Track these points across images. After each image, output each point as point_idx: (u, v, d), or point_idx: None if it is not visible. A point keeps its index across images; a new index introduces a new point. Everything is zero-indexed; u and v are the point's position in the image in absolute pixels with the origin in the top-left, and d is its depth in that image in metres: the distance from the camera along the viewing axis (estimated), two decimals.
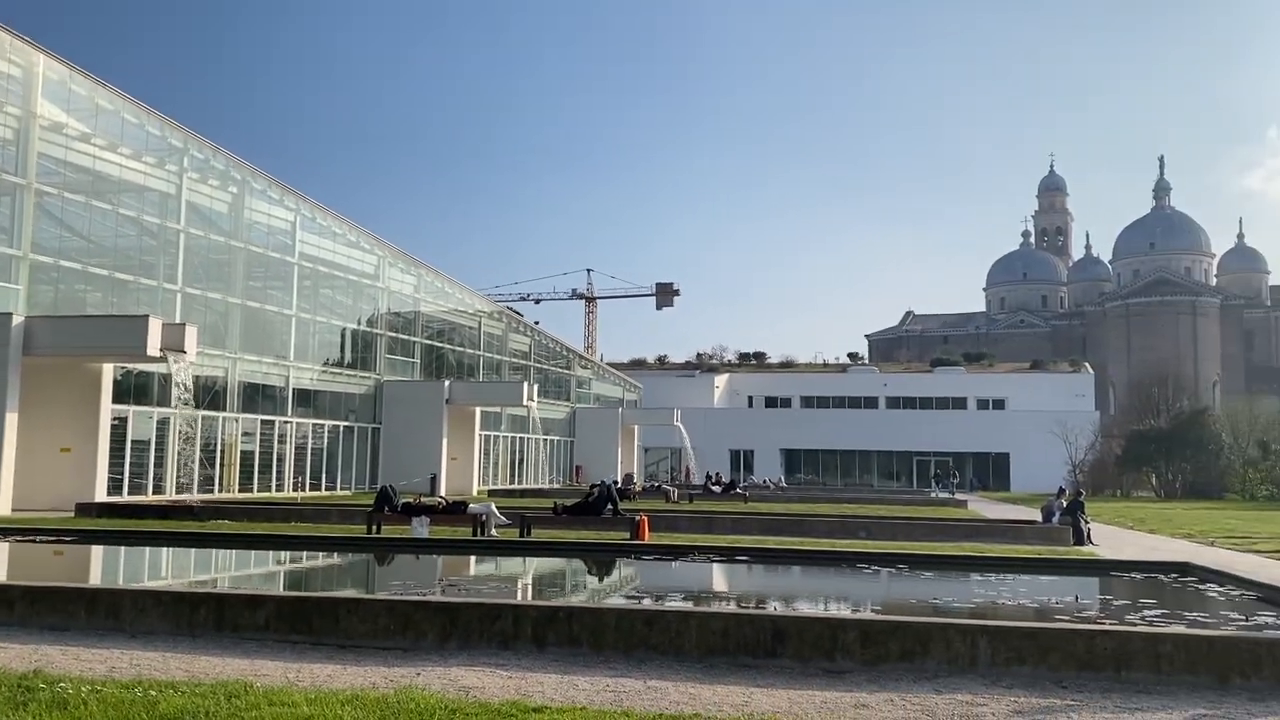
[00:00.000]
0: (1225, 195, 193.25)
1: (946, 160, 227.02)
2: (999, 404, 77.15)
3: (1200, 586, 11.85)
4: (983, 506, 37.04)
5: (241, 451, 33.47)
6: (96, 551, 16.04)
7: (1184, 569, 12.96)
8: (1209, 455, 57.64)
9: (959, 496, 44.11)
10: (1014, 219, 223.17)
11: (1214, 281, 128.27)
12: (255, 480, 33.77)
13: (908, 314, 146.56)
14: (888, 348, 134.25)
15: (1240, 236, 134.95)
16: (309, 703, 5.86)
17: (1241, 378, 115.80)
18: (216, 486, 31.71)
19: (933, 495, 45.91)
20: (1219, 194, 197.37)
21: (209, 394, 31.79)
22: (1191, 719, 6.07)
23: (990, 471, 67.00)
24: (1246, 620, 9.36)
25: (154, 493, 28.81)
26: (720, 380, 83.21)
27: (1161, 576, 12.84)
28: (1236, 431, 59.66)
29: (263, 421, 34.56)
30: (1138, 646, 6.98)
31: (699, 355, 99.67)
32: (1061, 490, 26.08)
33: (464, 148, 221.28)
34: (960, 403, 77.60)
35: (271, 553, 15.90)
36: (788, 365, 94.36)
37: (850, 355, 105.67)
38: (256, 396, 34.75)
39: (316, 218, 38.20)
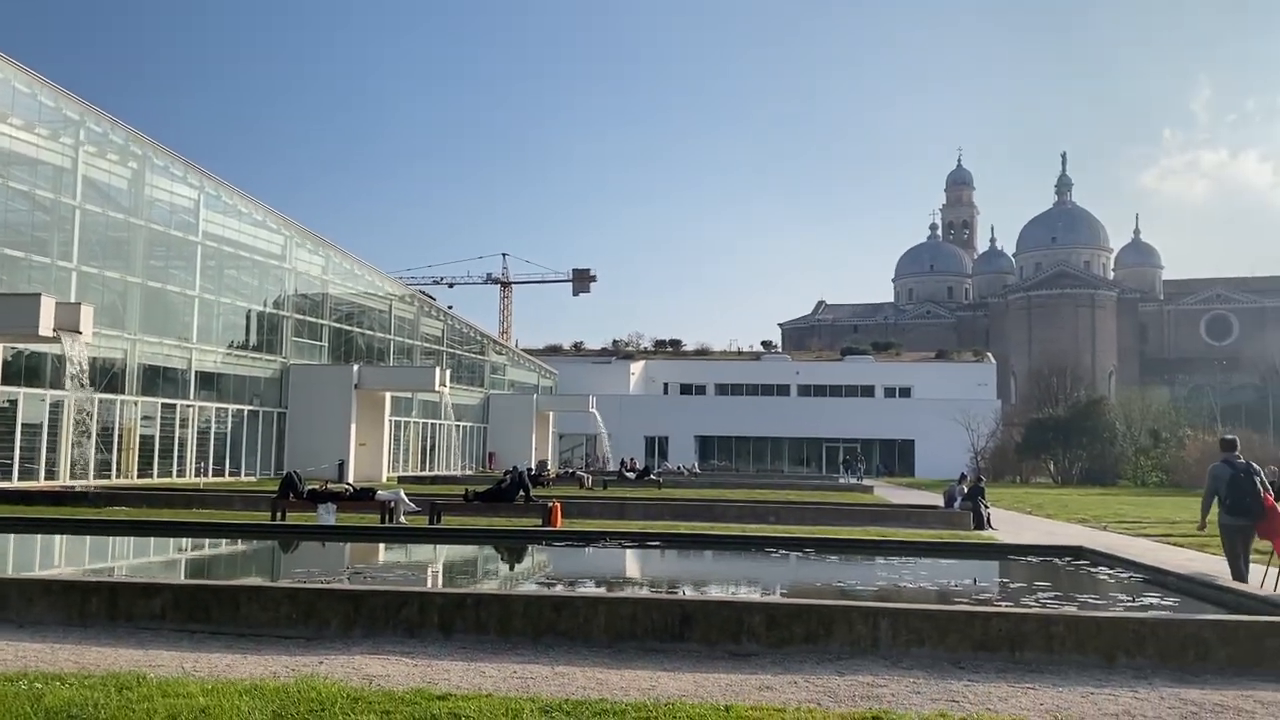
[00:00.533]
0: (1123, 192, 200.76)
1: (859, 154, 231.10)
2: (905, 392, 78.93)
3: (1092, 569, 12.30)
4: (888, 492, 37.89)
5: (141, 436, 32.42)
6: None
7: (1077, 553, 13.45)
8: (1104, 443, 59.86)
9: (865, 482, 45.04)
10: (923, 212, 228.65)
11: (1111, 275, 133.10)
12: (155, 466, 32.76)
13: (820, 304, 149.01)
14: (800, 336, 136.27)
15: (1137, 232, 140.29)
16: (205, 693, 5.71)
17: (1136, 369, 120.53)
18: (114, 472, 30.68)
19: (840, 481, 46.79)
20: (1117, 191, 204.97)
21: (106, 376, 30.69)
22: (1080, 696, 6.30)
23: (896, 457, 68.57)
24: (1133, 601, 9.76)
25: (46, 478, 27.73)
26: (636, 367, 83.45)
27: (1056, 560, 13.30)
28: (1130, 420, 62.07)
29: (163, 405, 33.52)
30: (1031, 628, 7.21)
31: (615, 342, 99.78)
32: (963, 476, 26.82)
33: (376, 127, 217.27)
34: (869, 390, 79.17)
35: (171, 540, 15.44)
36: (703, 353, 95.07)
37: (764, 344, 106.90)
38: (157, 379, 33.67)
39: (221, 196, 37.11)
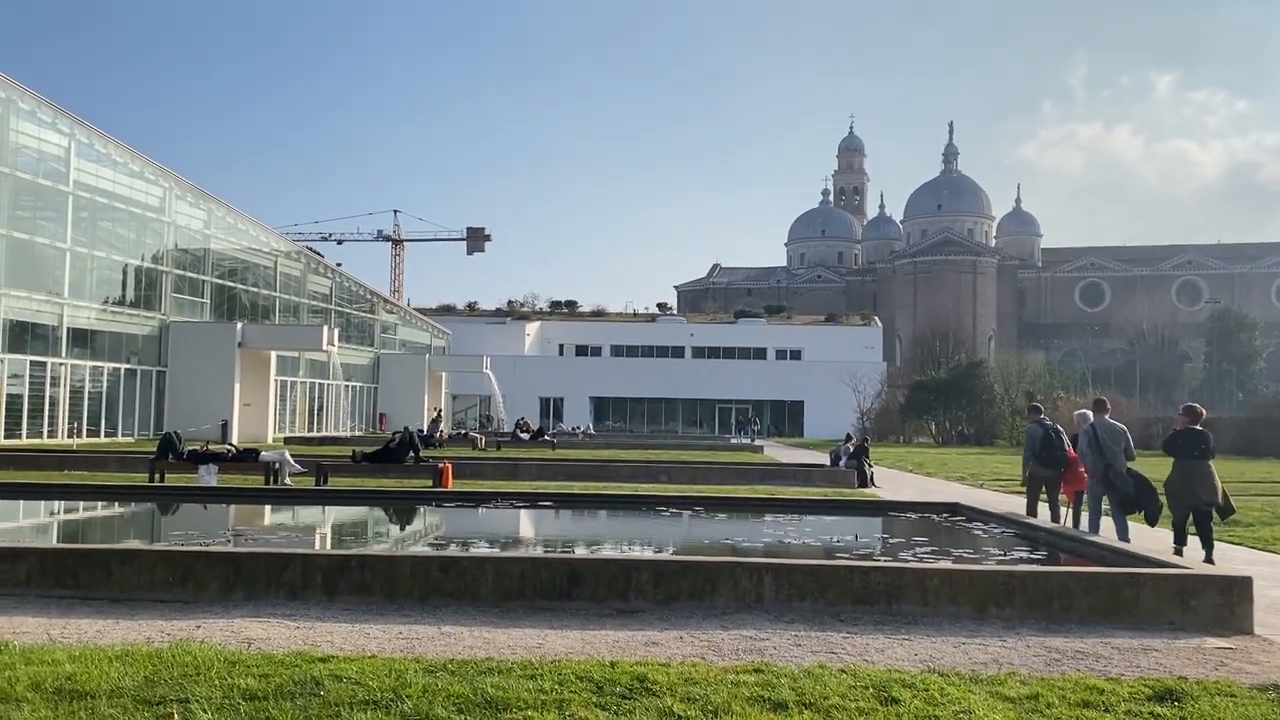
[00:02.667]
0: (1005, 162, 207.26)
1: (754, 119, 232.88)
2: (796, 354, 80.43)
3: (968, 525, 12.78)
4: (778, 452, 38.67)
5: (8, 395, 30.86)
6: None
7: (954, 509, 13.95)
8: (982, 405, 62.10)
9: (756, 442, 45.88)
10: (815, 178, 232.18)
11: (994, 243, 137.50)
12: (24, 426, 31.27)
13: (715, 267, 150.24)
14: (695, 299, 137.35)
15: (1018, 201, 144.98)
16: (72, 660, 5.49)
17: (1014, 333, 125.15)
18: None
19: (733, 441, 47.53)
20: (1000, 161, 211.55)
21: None
22: (954, 646, 6.56)
23: (786, 418, 69.95)
24: (1004, 555, 10.18)
25: None
26: (531, 328, 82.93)
27: (934, 516, 13.77)
28: (1008, 383, 64.51)
29: (33, 363, 31.94)
30: (908, 581, 7.46)
31: (510, 303, 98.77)
32: (849, 436, 27.51)
33: (265, 79, 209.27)
34: (761, 353, 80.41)
35: (40, 503, 14.77)
36: (599, 314, 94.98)
37: (660, 306, 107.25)
38: (25, 336, 32.04)
39: (95, 144, 35.29)
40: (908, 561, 9.00)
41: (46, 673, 5.22)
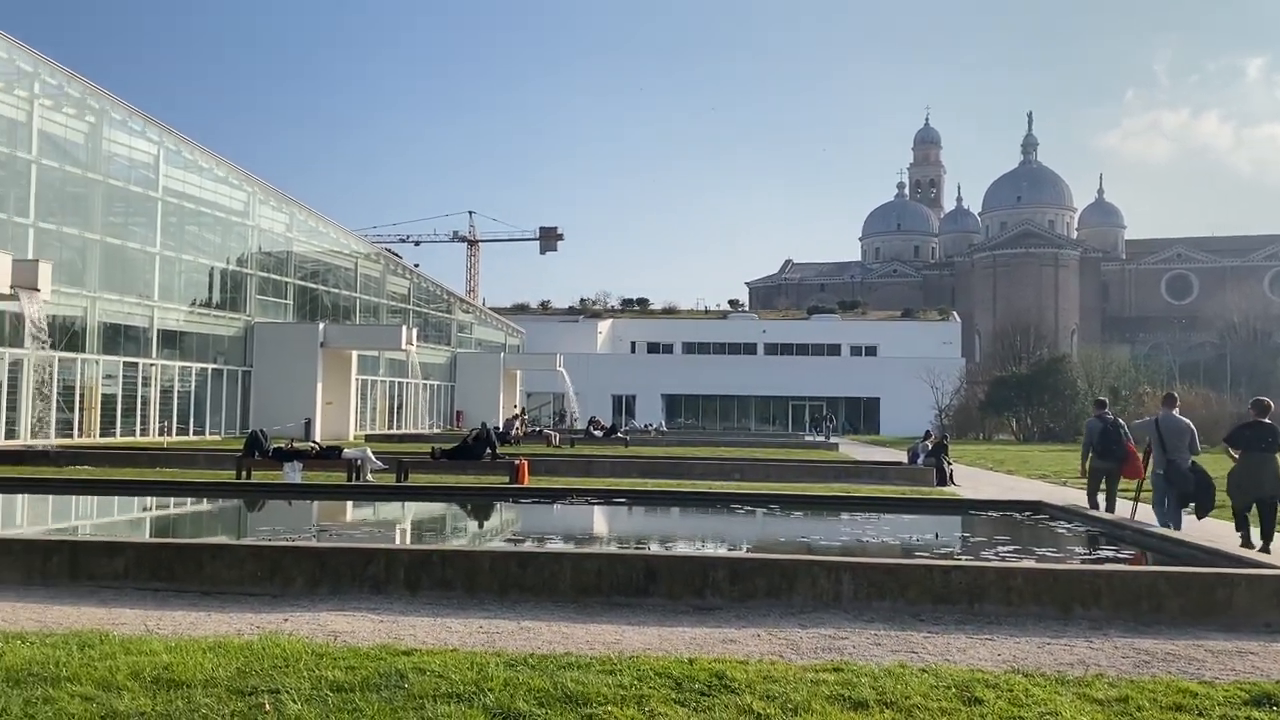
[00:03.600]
0: (1087, 152, 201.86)
1: (827, 111, 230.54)
2: (871, 350, 79.45)
3: (1051, 524, 12.51)
4: (853, 449, 38.25)
5: (103, 395, 32.00)
6: None
7: (1037, 507, 13.65)
8: (1065, 401, 60.63)
9: (831, 440, 45.46)
10: (890, 171, 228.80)
11: (1075, 235, 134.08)
12: (118, 425, 32.38)
13: (787, 263, 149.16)
14: (767, 295, 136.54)
15: (1100, 192, 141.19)
16: (168, 650, 5.68)
17: (1097, 327, 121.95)
18: (75, 431, 30.29)
19: (807, 439, 47.16)
20: (1081, 151, 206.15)
21: (66, 334, 30.21)
22: (1038, 646, 6.42)
23: (861, 416, 69.16)
24: (1089, 554, 9.94)
25: (7, 438, 27.34)
26: (604, 326, 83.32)
27: (1016, 514, 13.50)
28: (1091, 378, 62.87)
29: (125, 364, 33.06)
30: (990, 580, 7.33)
31: (582, 301, 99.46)
32: (927, 434, 27.10)
33: (342, 83, 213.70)
34: (835, 349, 79.62)
35: (134, 499, 15.30)
36: (670, 312, 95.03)
37: (731, 302, 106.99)
38: (118, 338, 33.18)
39: (182, 151, 36.40)
40: (990, 560, 8.83)
41: (145, 662, 5.41)
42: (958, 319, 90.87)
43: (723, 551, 10.01)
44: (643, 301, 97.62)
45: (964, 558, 9.60)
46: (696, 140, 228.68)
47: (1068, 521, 12.37)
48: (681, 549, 10.44)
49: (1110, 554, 9.94)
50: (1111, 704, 5.12)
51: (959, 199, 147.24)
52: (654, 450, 31.63)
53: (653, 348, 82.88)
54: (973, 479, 23.67)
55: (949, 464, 22.52)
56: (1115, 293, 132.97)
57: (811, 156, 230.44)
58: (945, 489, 20.10)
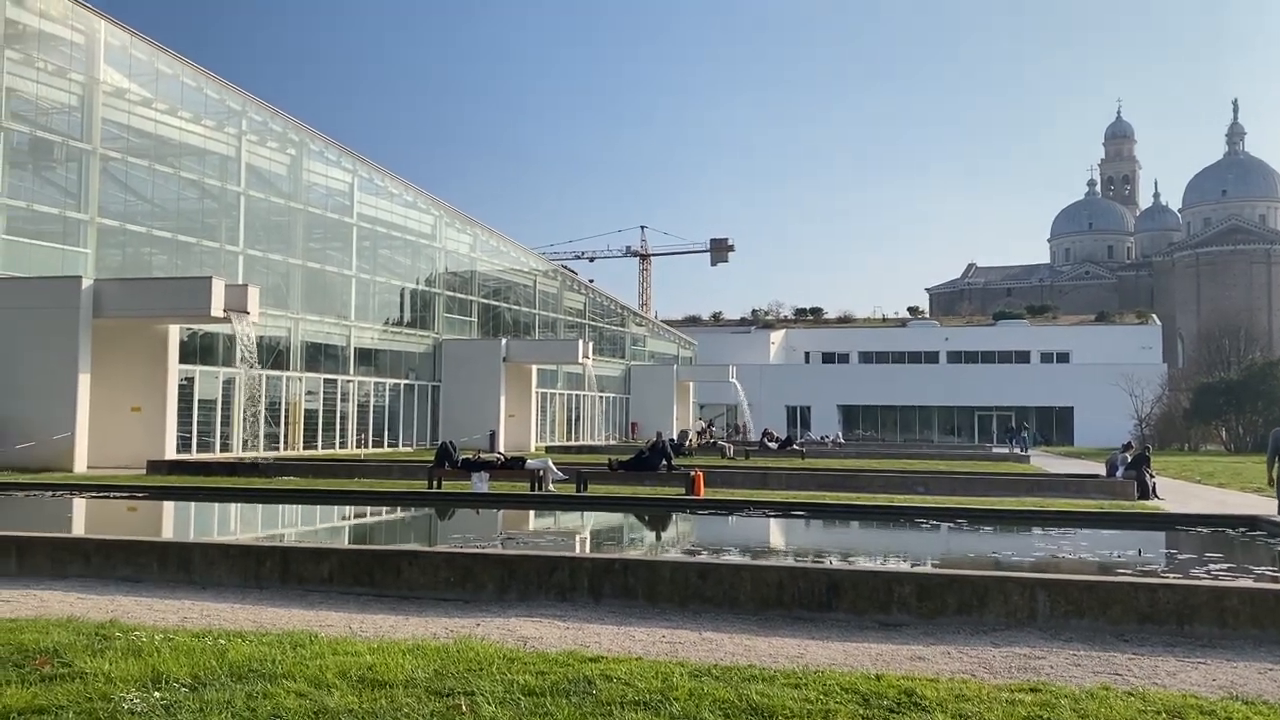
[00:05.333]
0: None
1: (1010, 108, 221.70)
2: (1063, 357, 75.76)
3: (1270, 541, 11.59)
4: (1045, 461, 36.54)
5: (305, 410, 34.14)
6: (168, 507, 16.56)
7: (1252, 523, 12.69)
8: None
9: (1020, 452, 43.58)
10: (1079, 168, 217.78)
11: None
12: (319, 438, 34.46)
13: (970, 266, 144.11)
14: (949, 301, 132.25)
15: None
16: (372, 652, 6.01)
17: None
18: (281, 444, 32.44)
19: (994, 450, 45.39)
20: None
21: (272, 354, 32.44)
22: (1259, 672, 5.96)
23: (1053, 426, 65.98)
24: None
25: (221, 450, 29.57)
26: (776, 336, 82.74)
27: (1229, 531, 12.59)
28: None
29: (325, 380, 35.18)
30: (1202, 600, 6.86)
31: (754, 311, 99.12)
32: (1127, 444, 25.61)
33: (518, 107, 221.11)
34: (1023, 356, 76.33)
35: (335, 507, 16.25)
36: (845, 320, 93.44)
37: (910, 309, 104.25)
38: (319, 356, 35.36)
39: (374, 178, 38.53)
40: (1201, 579, 8.26)
41: (350, 663, 5.74)
42: (1158, 322, 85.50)
43: (909, 567, 9.76)
44: (816, 311, 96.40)
45: (1171, 576, 9.02)
46: (870, 144, 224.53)
47: None
48: (865, 564, 10.24)
49: None
50: None
51: (1156, 195, 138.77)
52: (831, 463, 31.13)
53: (827, 357, 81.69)
54: (1178, 493, 22.17)
55: (1151, 476, 21.17)
56: None
57: (995, 155, 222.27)
58: (1148, 503, 18.92)
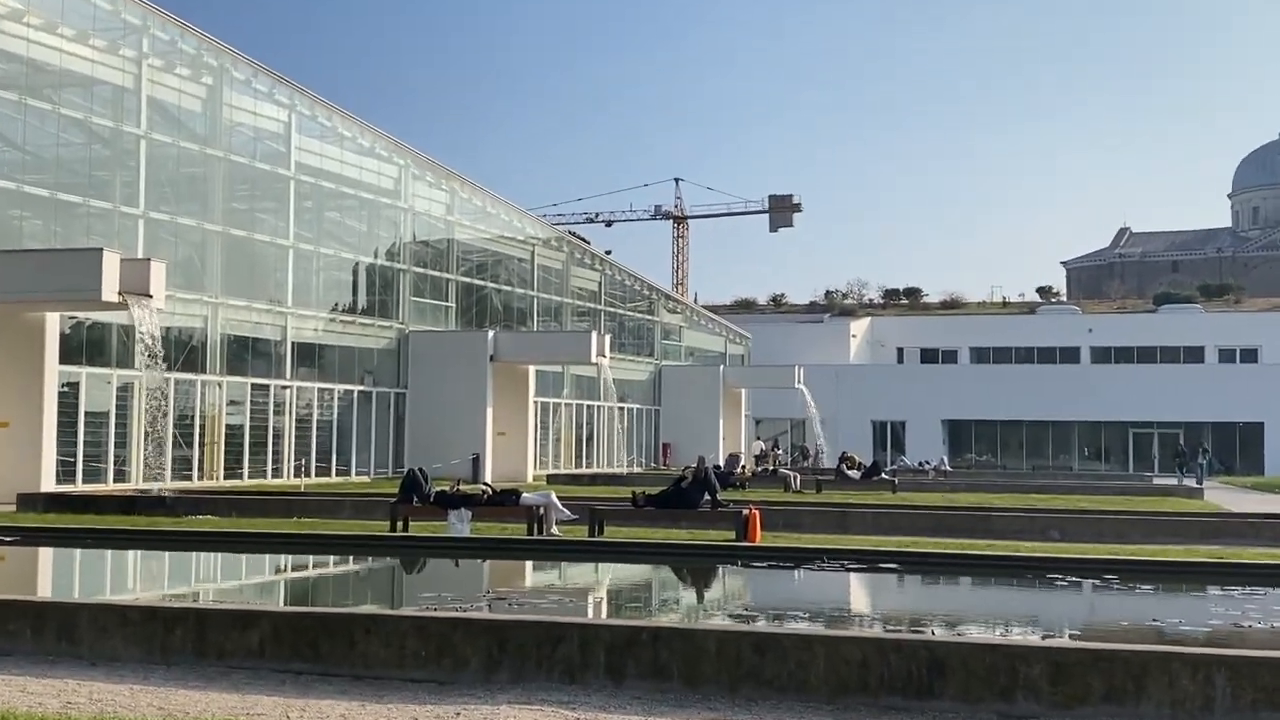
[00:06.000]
0: None
1: (1176, 23, 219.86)
2: (1249, 355, 75.19)
3: None
4: (1224, 496, 36.27)
5: (227, 426, 34.32)
6: (45, 556, 16.70)
7: None
8: None
9: (1196, 483, 43.29)
10: (1268, 106, 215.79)
11: None
12: (246, 463, 34.62)
13: (1122, 233, 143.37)
14: (1093, 280, 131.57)
15: None
16: None
17: None
18: (195, 472, 32.62)
19: (1155, 482, 45.10)
20: None
21: (184, 351, 32.60)
22: None
23: (1236, 448, 65.42)
24: None
25: (115, 480, 29.75)
26: (858, 327, 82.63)
27: None
28: None
29: (254, 386, 35.33)
30: None
31: (829, 294, 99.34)
32: None
33: (510, 20, 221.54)
34: (1195, 354, 75.80)
35: (268, 556, 16.33)
36: (953, 306, 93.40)
37: (1041, 291, 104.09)
38: (245, 354, 35.55)
39: (318, 117, 38.69)
40: None
41: None
42: None
43: (1039, 639, 9.72)
44: (913, 293, 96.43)
45: None
46: (985, 73, 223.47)
47: None
48: (978, 634, 10.21)
49: None
50: None
51: None
52: (933, 497, 31.01)
53: (928, 355, 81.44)
54: None
55: None
56: None
57: (1157, 87, 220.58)
58: None
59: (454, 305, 44.84)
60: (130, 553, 17.15)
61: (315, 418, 37.74)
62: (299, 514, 22.52)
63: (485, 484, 24.41)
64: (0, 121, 29.28)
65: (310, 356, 38.05)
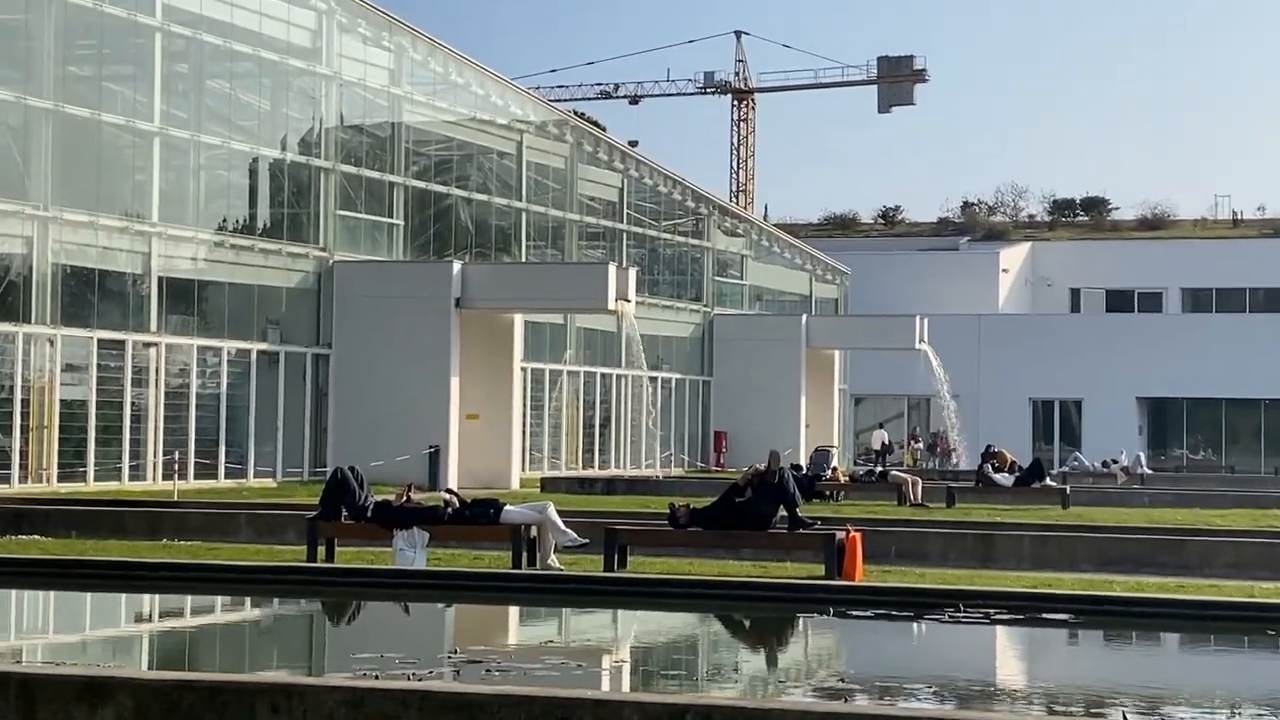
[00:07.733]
0: None
1: None
2: None
3: None
4: None
5: (63, 403, 34.21)
6: None
7: None
8: None
9: None
10: None
11: None
12: (91, 459, 34.56)
13: None
14: None
15: None
16: None
17: None
18: (17, 470, 32.59)
19: None
20: None
21: None
22: None
23: None
24: None
25: None
26: (1012, 257, 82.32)
27: None
28: None
29: (102, 343, 35.23)
30: None
31: (967, 207, 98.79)
32: None
33: None
34: None
35: (125, 598, 16.38)
36: (1153, 224, 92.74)
37: None
38: (88, 294, 35.51)
39: None
40: None
41: None
42: None
43: None
44: (1095, 205, 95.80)
45: None
46: None
47: None
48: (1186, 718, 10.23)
49: None
50: None
51: None
52: (1121, 514, 30.97)
53: (1118, 300, 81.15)
54: None
55: None
56: None
57: None
58: None
59: (402, 223, 44.61)
60: None
61: (194, 391, 37.62)
62: (172, 534, 22.58)
63: (449, 491, 24.46)
64: None
65: (186, 299, 37.96)
